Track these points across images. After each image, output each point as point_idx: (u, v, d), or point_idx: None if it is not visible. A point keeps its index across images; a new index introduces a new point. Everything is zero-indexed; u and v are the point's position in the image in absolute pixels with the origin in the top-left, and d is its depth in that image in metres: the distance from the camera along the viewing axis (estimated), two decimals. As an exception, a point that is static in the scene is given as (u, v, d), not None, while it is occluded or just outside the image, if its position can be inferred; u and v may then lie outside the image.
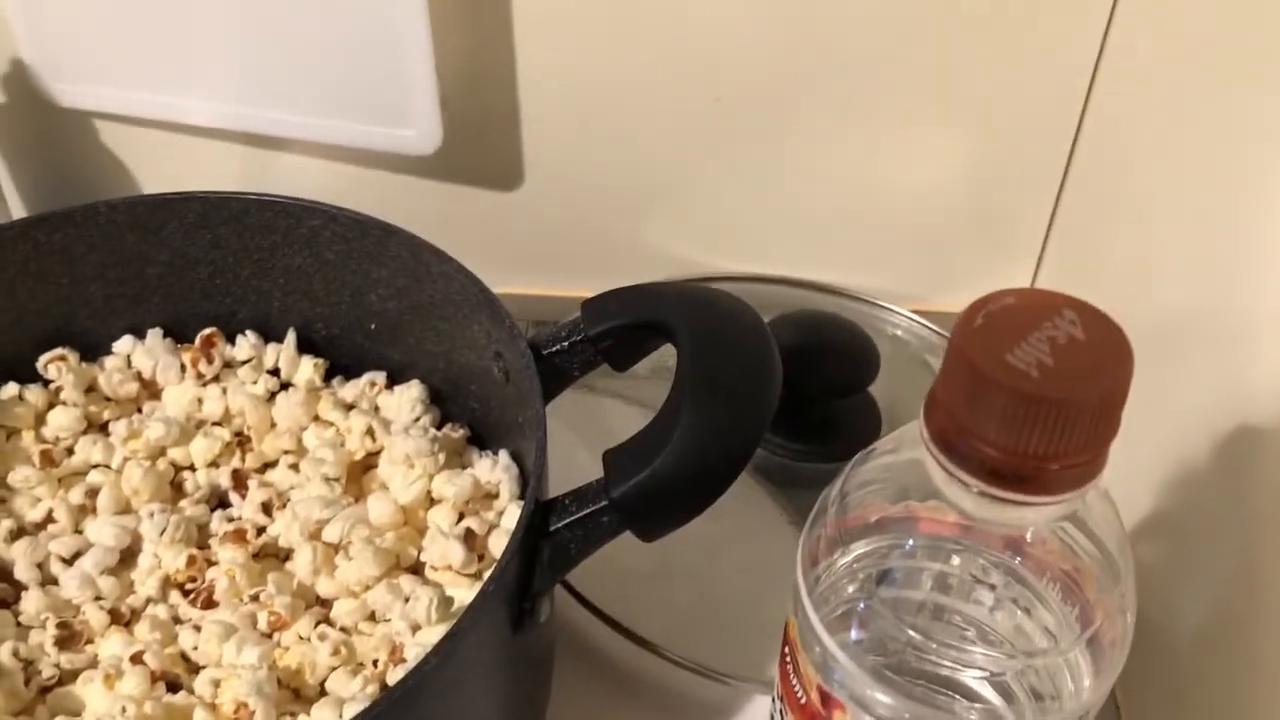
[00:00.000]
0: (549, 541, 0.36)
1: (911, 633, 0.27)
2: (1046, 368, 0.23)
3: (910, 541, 0.29)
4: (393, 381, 0.49)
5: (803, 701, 0.30)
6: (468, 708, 0.36)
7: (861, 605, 0.28)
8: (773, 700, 0.33)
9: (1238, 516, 0.39)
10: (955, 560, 0.29)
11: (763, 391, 0.36)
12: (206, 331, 0.49)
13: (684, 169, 0.59)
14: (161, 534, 0.44)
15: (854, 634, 0.29)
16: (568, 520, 0.35)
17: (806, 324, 0.51)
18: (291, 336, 0.49)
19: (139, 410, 0.49)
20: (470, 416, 0.47)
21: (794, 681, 0.30)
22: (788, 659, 0.31)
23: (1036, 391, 0.23)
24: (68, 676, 0.41)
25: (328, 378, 0.50)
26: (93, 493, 0.45)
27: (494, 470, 0.45)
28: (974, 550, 0.28)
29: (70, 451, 0.47)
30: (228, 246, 0.47)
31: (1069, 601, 0.27)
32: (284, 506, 0.46)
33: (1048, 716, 0.28)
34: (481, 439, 0.47)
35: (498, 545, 0.43)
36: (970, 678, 0.28)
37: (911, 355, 0.57)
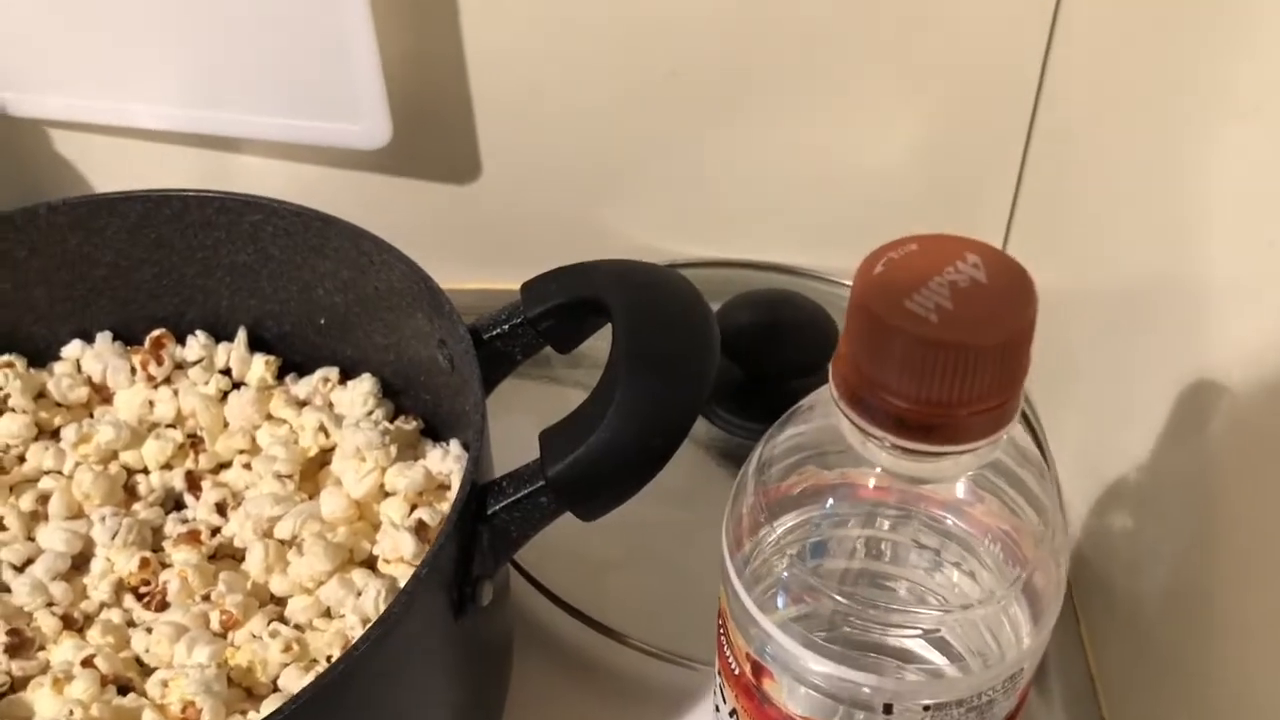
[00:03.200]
0: (487, 525, 0.35)
1: (839, 598, 0.27)
2: (946, 312, 0.22)
3: (839, 509, 0.28)
4: (346, 377, 0.48)
5: (736, 673, 0.29)
6: (410, 696, 0.35)
7: (785, 575, 0.28)
8: (714, 679, 0.33)
9: (1198, 479, 0.38)
10: (887, 525, 0.28)
11: (699, 364, 0.35)
12: (156, 333, 0.48)
13: (642, 150, 0.58)
14: (114, 537, 0.44)
15: (785, 607, 0.28)
16: (505, 503, 0.35)
17: (764, 303, 0.51)
18: (242, 335, 0.48)
19: (90, 415, 0.48)
20: (424, 409, 0.47)
21: (728, 654, 0.30)
22: (721, 631, 0.30)
23: (935, 336, 0.22)
24: (19, 683, 0.40)
25: (281, 375, 0.49)
26: (44, 499, 0.45)
27: (445, 460, 0.44)
28: (906, 513, 0.28)
29: (21, 459, 0.46)
30: (171, 245, 0.46)
31: (1008, 559, 0.26)
32: (238, 506, 0.45)
33: (990, 669, 0.27)
34: (435, 431, 0.46)
35: (450, 535, 0.42)
36: (908, 637, 0.27)
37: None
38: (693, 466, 0.51)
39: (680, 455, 0.53)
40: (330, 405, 0.48)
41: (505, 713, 0.44)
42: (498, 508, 0.35)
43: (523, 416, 0.45)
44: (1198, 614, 0.38)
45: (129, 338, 0.48)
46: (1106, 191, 0.48)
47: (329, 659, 0.40)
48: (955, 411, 0.23)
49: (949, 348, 0.22)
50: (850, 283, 0.58)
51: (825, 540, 0.28)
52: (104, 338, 0.48)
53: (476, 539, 0.35)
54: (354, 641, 0.40)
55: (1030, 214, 0.58)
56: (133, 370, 0.48)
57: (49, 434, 0.47)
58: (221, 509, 0.45)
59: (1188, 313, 0.40)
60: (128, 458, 0.47)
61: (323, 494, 0.45)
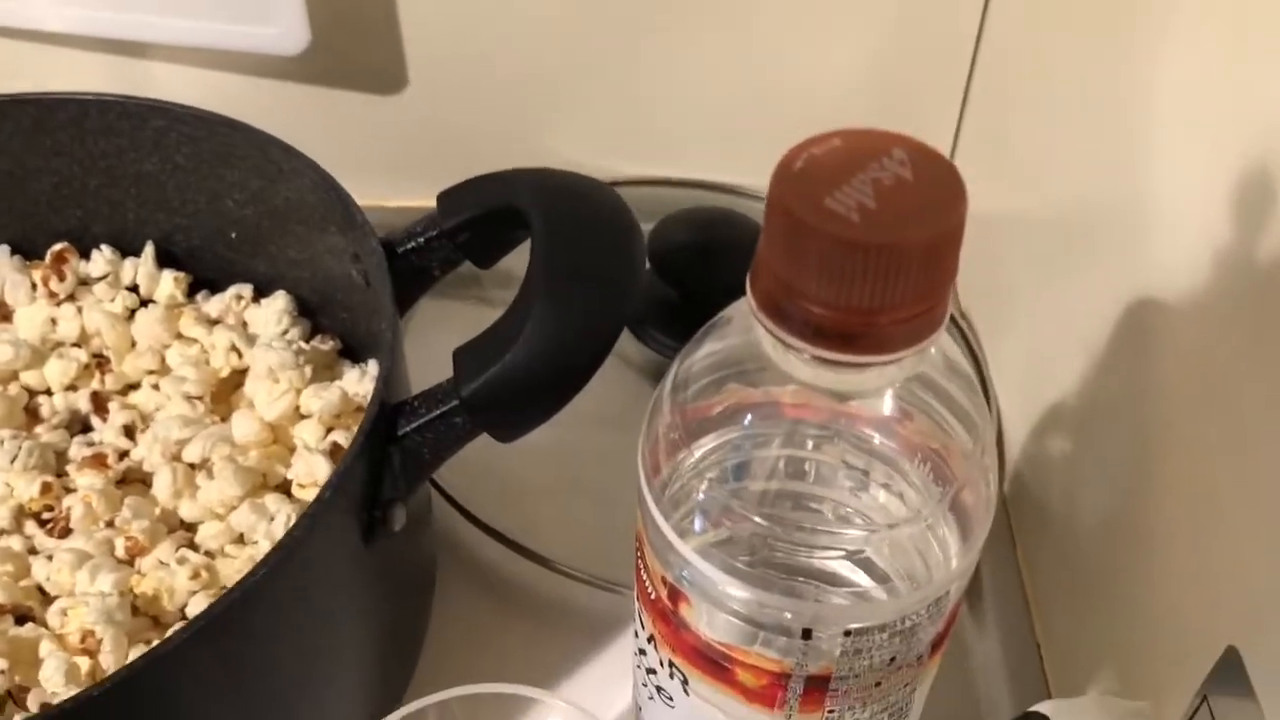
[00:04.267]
0: (398, 447, 0.33)
1: (760, 520, 0.25)
2: (868, 211, 0.21)
3: (760, 428, 0.26)
4: (260, 294, 0.46)
5: (653, 598, 0.28)
6: (321, 622, 0.34)
7: (704, 498, 0.26)
8: (634, 603, 0.31)
9: (1134, 405, 0.37)
10: (810, 444, 0.26)
11: (622, 276, 0.33)
12: (57, 247, 0.46)
13: (577, 62, 0.56)
14: (13, 461, 0.41)
15: (704, 531, 0.26)
16: (417, 424, 0.33)
17: (700, 221, 0.49)
18: (150, 250, 0.46)
19: (-12, 333, 0.46)
20: (341, 328, 0.45)
21: (645, 579, 0.28)
22: (639, 555, 0.29)
23: (856, 237, 0.20)
24: (-88, 613, 0.38)
25: (191, 293, 0.47)
26: (-61, 422, 0.42)
27: (362, 381, 0.42)
28: (830, 431, 0.26)
29: (-87, 379, 0.44)
30: (71, 154, 0.44)
31: (936, 477, 0.25)
32: (147, 429, 0.43)
33: (920, 589, 0.26)
34: (354, 351, 0.44)
35: (367, 459, 0.40)
36: (832, 559, 0.26)
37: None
38: (625, 389, 0.50)
39: (611, 377, 0.51)
40: (244, 324, 0.46)
41: (427, 638, 0.43)
42: (409, 429, 0.33)
43: (449, 337, 0.43)
44: (1130, 538, 0.37)
45: (29, 252, 0.46)
46: (1050, 111, 0.47)
47: (240, 586, 0.39)
48: (878, 318, 0.21)
49: (871, 249, 0.20)
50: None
51: (746, 461, 0.27)
52: (1, 252, 0.46)
53: (387, 461, 0.33)
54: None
55: (975, 134, 0.56)
56: (33, 286, 0.46)
57: (-57, 354, 0.45)
58: (130, 432, 0.43)
59: (1128, 235, 0.39)
60: (29, 378, 0.44)
61: (234, 416, 0.43)
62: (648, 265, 0.49)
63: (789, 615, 0.25)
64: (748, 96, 0.57)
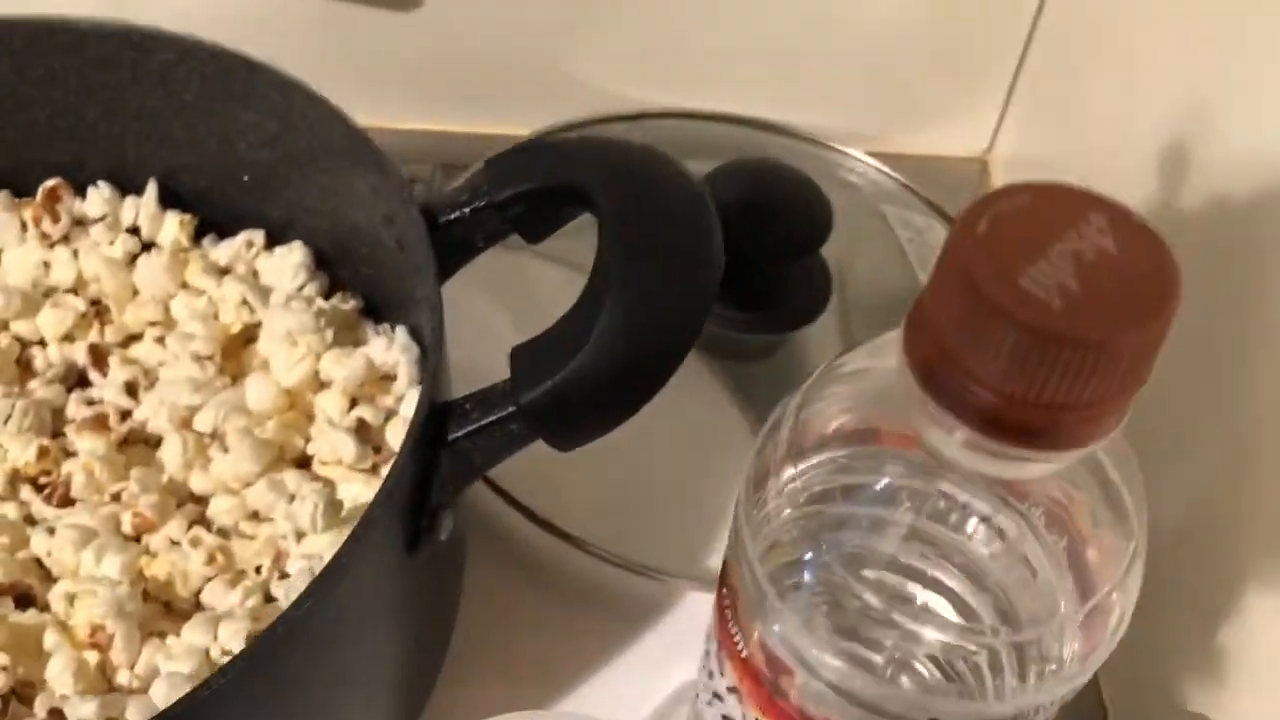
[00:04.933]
0: (447, 451, 0.30)
1: (869, 597, 0.23)
2: (1071, 295, 0.17)
3: (882, 480, 0.24)
4: (273, 242, 0.42)
5: (744, 655, 0.25)
6: (354, 639, 0.31)
7: (809, 556, 0.23)
8: (706, 638, 0.29)
9: (1233, 410, 0.35)
10: (933, 502, 0.24)
11: (702, 271, 0.30)
12: (50, 183, 0.41)
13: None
14: (6, 421, 0.38)
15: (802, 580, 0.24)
16: (468, 429, 0.30)
17: (751, 176, 0.45)
18: (152, 188, 0.42)
19: (-26, 277, 0.42)
20: (363, 284, 0.41)
21: (731, 628, 0.26)
22: (723, 599, 0.26)
23: (1061, 329, 0.17)
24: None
25: (198, 236, 0.43)
26: (-78, 375, 0.39)
27: (390, 350, 0.39)
28: (958, 492, 0.23)
29: (-105, 328, 0.40)
30: (66, 84, 0.39)
31: (1076, 577, 0.22)
32: (151, 386, 0.40)
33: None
34: (377, 310, 0.41)
35: (395, 436, 0.37)
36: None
37: (865, 206, 0.52)
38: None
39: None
40: (255, 274, 0.42)
41: (458, 623, 0.40)
42: (460, 434, 0.30)
43: (481, 295, 0.40)
44: (1218, 552, 0.35)
45: (19, 188, 0.42)
46: (1126, 61, 0.43)
47: (258, 570, 0.36)
48: (1064, 415, 0.18)
49: (1077, 344, 0.17)
50: (844, 149, 0.52)
51: (858, 515, 0.24)
52: (-12, 187, 0.42)
53: (435, 467, 0.30)
54: (287, 555, 0.36)
55: (1030, 85, 0.52)
56: (23, 226, 0.42)
57: (-75, 299, 0.41)
58: (132, 389, 0.40)
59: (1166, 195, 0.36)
60: (20, 328, 0.41)
61: (249, 380, 0.39)
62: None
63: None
64: (796, 23, 0.53)
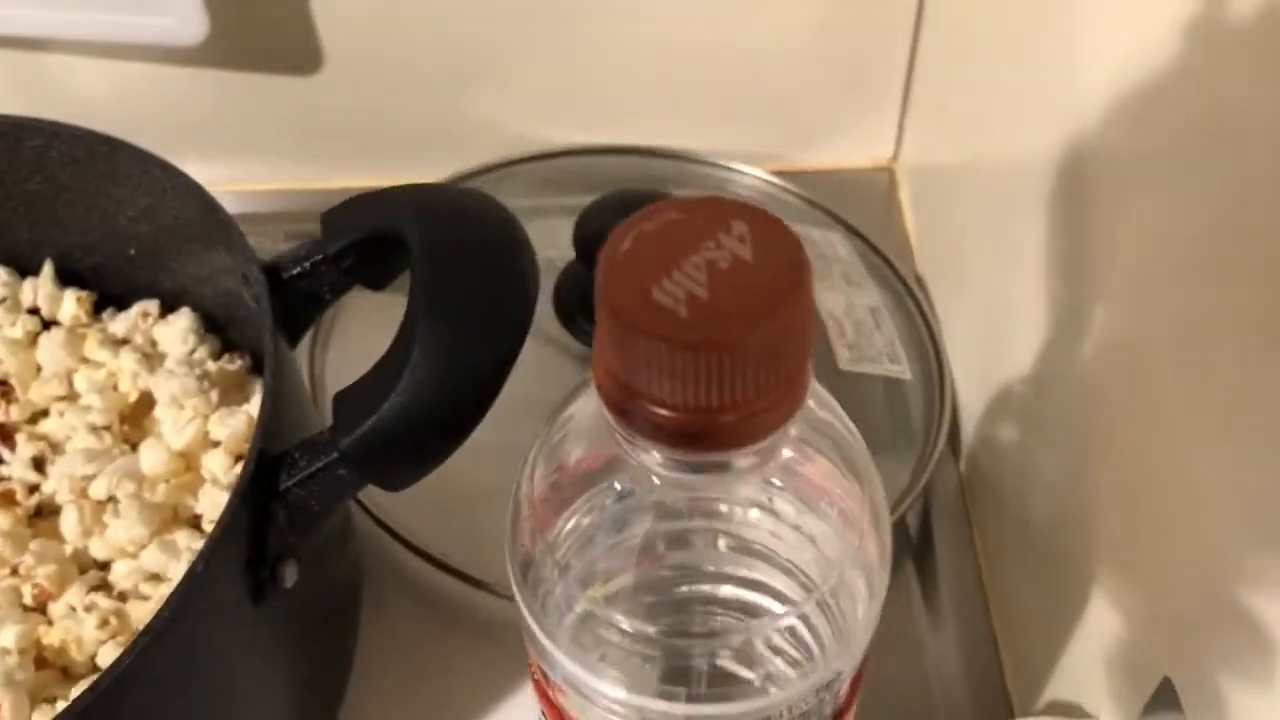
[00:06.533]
0: (281, 503, 0.31)
1: (650, 629, 0.23)
2: (699, 303, 0.18)
3: (629, 502, 0.24)
4: (168, 310, 0.44)
5: (536, 678, 0.26)
6: (225, 680, 0.32)
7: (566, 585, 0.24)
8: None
9: (1077, 379, 0.35)
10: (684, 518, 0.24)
11: (512, 311, 0.31)
12: (-52, 271, 0.43)
13: (509, 24, 0.53)
14: (-85, 503, 0.40)
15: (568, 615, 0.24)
16: (298, 478, 0.31)
17: (627, 205, 0.46)
18: (48, 269, 0.44)
19: (-119, 368, 0.43)
20: (252, 344, 0.42)
21: (532, 656, 0.26)
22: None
23: (683, 336, 0.18)
24: None
25: (99, 310, 0.44)
26: None
27: (269, 405, 0.40)
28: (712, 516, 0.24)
29: None
30: (-53, 174, 0.41)
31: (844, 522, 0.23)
32: (57, 462, 0.41)
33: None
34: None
35: (280, 488, 0.38)
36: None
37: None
38: (561, 381, 0.47)
39: (546, 368, 0.49)
40: (153, 342, 0.44)
41: (356, 661, 0.41)
42: (290, 483, 0.31)
43: (376, 333, 0.40)
44: (1077, 532, 0.35)
45: (-82, 279, 0.44)
46: (995, 64, 0.44)
47: (152, 630, 0.37)
48: (720, 417, 0.19)
49: (702, 351, 0.18)
50: (740, 167, 0.52)
51: (620, 542, 0.24)
52: (-112, 279, 0.43)
53: (270, 518, 0.31)
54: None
55: (925, 89, 0.53)
56: (-74, 315, 0.43)
57: None
58: (39, 464, 0.41)
59: (1071, 194, 0.36)
60: (-73, 412, 0.42)
61: (142, 447, 0.41)
62: (573, 254, 0.47)
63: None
64: (684, 55, 0.54)
